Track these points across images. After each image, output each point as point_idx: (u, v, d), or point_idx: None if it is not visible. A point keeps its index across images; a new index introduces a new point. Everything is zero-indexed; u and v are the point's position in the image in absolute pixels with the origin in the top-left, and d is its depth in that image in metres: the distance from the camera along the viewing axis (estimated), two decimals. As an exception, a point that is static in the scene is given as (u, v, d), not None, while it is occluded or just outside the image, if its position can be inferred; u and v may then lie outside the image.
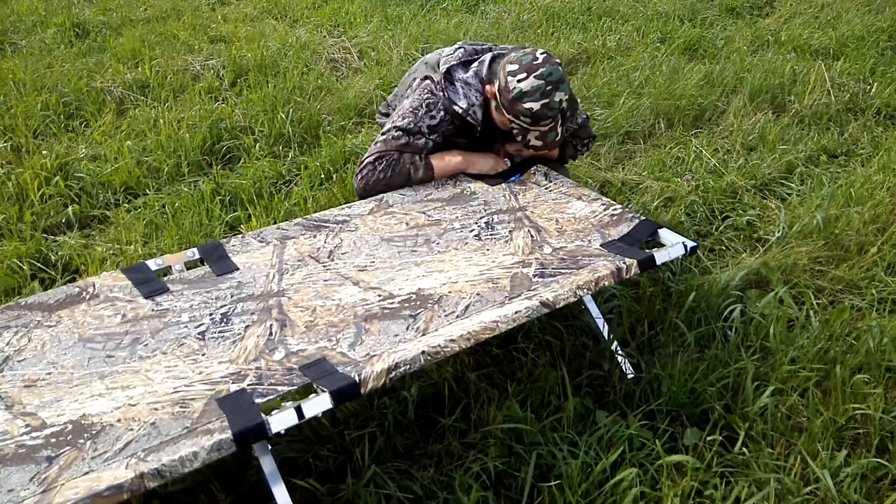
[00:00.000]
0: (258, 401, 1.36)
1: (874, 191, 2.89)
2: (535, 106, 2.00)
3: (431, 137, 2.17)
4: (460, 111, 2.13)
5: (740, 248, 2.66)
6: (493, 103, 2.12)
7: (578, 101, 2.39)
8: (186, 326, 1.58)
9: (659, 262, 1.78)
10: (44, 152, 3.26)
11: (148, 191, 2.99)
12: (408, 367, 1.43)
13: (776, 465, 1.69)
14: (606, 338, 2.05)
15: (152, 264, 1.79)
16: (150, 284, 1.72)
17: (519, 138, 2.11)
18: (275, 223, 2.66)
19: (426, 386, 1.93)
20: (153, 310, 1.64)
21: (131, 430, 1.31)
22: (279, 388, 1.40)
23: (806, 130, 3.68)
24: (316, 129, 3.47)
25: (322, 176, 3.01)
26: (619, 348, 2.04)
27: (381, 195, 2.12)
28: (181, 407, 1.36)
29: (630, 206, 2.89)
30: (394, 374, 1.42)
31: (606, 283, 1.71)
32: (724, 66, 4.24)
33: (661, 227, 1.92)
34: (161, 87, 3.92)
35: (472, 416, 1.84)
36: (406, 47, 4.55)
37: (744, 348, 2.08)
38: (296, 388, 1.40)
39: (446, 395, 1.91)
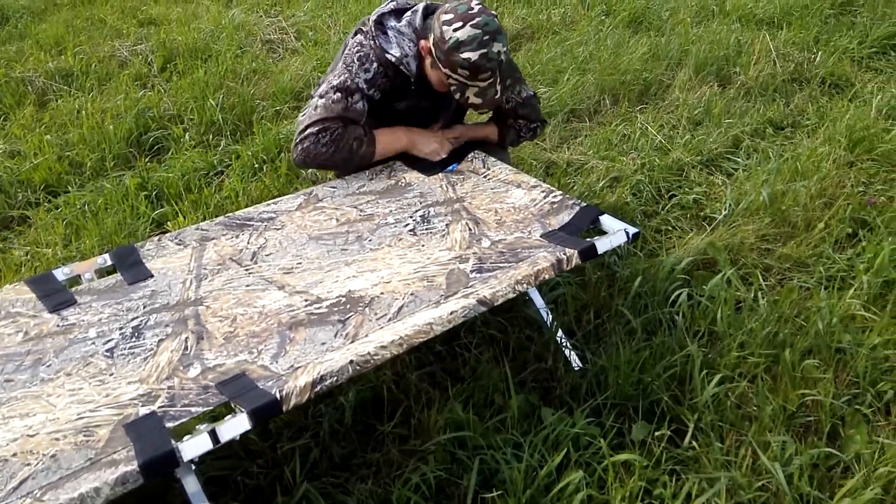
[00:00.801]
0: (169, 425, 1.25)
1: (820, 163, 2.86)
2: (473, 56, 1.89)
3: (369, 93, 2.02)
4: (393, 59, 2.01)
5: (687, 228, 2.61)
6: (429, 60, 2.00)
7: (521, 75, 2.28)
8: (94, 343, 1.46)
9: (600, 251, 1.71)
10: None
11: (70, 188, 2.81)
12: (335, 378, 1.33)
13: (726, 459, 1.64)
14: (551, 329, 1.98)
15: (59, 274, 1.65)
16: (57, 297, 1.58)
17: (457, 96, 1.98)
18: (204, 219, 2.53)
19: (364, 389, 1.83)
20: (58, 325, 1.51)
21: (28, 464, 1.19)
22: (193, 408, 1.29)
23: (752, 102, 3.65)
24: (250, 115, 3.32)
25: (256, 166, 2.87)
26: (564, 340, 1.97)
27: (311, 189, 2.00)
28: (85, 436, 1.24)
29: (575, 188, 2.82)
30: (319, 387, 1.31)
31: (547, 277, 1.63)
32: (668, 39, 4.18)
33: (602, 213, 1.84)
34: (85, 76, 3.71)
35: (412, 420, 1.75)
36: (345, 26, 4.39)
37: (691, 334, 2.03)
38: (212, 407, 1.29)
39: (386, 399, 1.81)
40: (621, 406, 1.81)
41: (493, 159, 2.14)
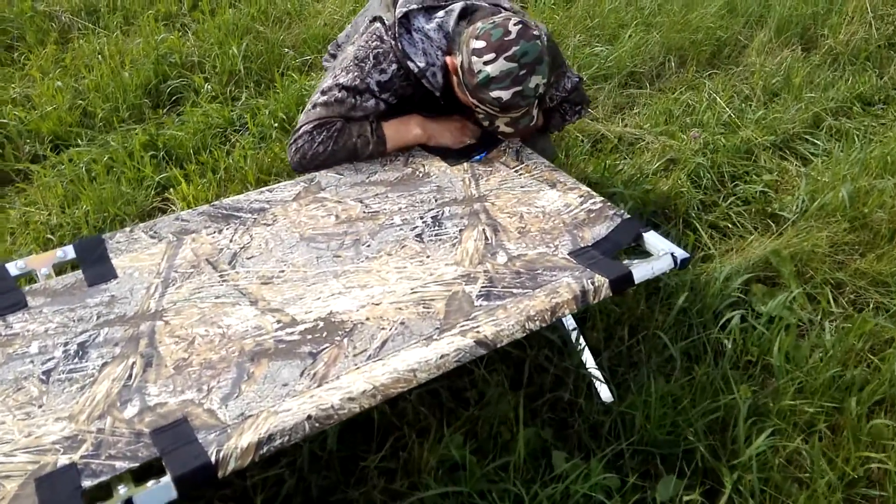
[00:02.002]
0: (87, 483, 1.05)
1: (915, 156, 2.47)
2: (505, 95, 1.60)
3: (383, 97, 1.76)
4: (416, 70, 1.71)
5: (750, 227, 2.28)
6: (455, 79, 1.70)
7: (566, 63, 1.95)
8: (32, 362, 1.26)
9: (638, 279, 1.43)
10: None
11: (80, 141, 2.63)
12: (286, 438, 1.11)
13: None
14: (576, 351, 1.72)
15: (13, 268, 1.46)
16: (5, 297, 1.39)
17: (486, 124, 1.71)
18: (212, 188, 2.32)
19: (354, 410, 1.61)
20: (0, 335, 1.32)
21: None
22: (118, 463, 1.08)
23: (839, 72, 3.22)
24: (277, 64, 3.06)
25: (275, 125, 2.63)
26: (590, 363, 1.71)
27: (314, 174, 1.75)
28: (-5, 487, 1.05)
29: (624, 169, 2.49)
30: (266, 448, 1.10)
31: (566, 312, 1.36)
32: (750, -8, 3.71)
33: (647, 229, 1.55)
34: (112, 13, 3.49)
35: (401, 454, 1.53)
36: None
37: (741, 366, 1.74)
38: (138, 464, 1.08)
39: (376, 421, 1.59)
40: (647, 453, 1.55)
41: (530, 152, 1.85)
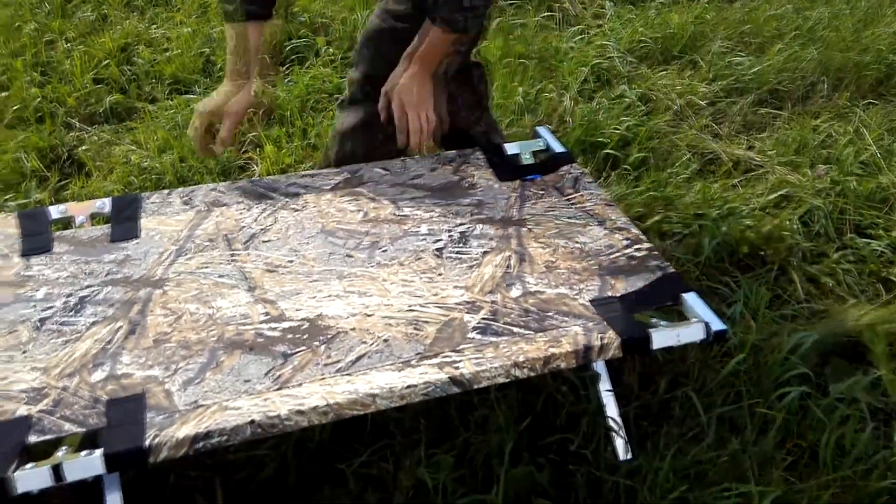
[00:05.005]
0: (32, 439, 1.09)
1: None
2: None
3: None
4: None
5: (856, 289, 1.99)
6: None
7: None
8: (34, 307, 1.32)
9: (656, 346, 1.27)
10: (117, 28, 3.09)
11: (197, 88, 2.74)
12: (224, 438, 1.09)
13: None
14: (597, 391, 1.57)
15: (54, 212, 1.54)
16: (36, 239, 1.47)
17: None
18: (294, 154, 2.34)
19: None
20: (16, 275, 1.39)
21: None
22: (67, 425, 1.11)
23: None
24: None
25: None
26: (611, 411, 1.56)
27: (360, 167, 1.69)
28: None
29: (727, 198, 2.25)
30: (202, 444, 1.08)
31: (561, 366, 1.24)
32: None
33: (689, 289, 1.38)
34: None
35: (381, 465, 1.47)
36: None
37: (786, 451, 1.53)
38: (84, 431, 1.10)
39: (369, 421, 1.54)
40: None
41: (591, 180, 1.70)
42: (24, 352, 1.24)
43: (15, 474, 1.02)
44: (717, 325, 1.30)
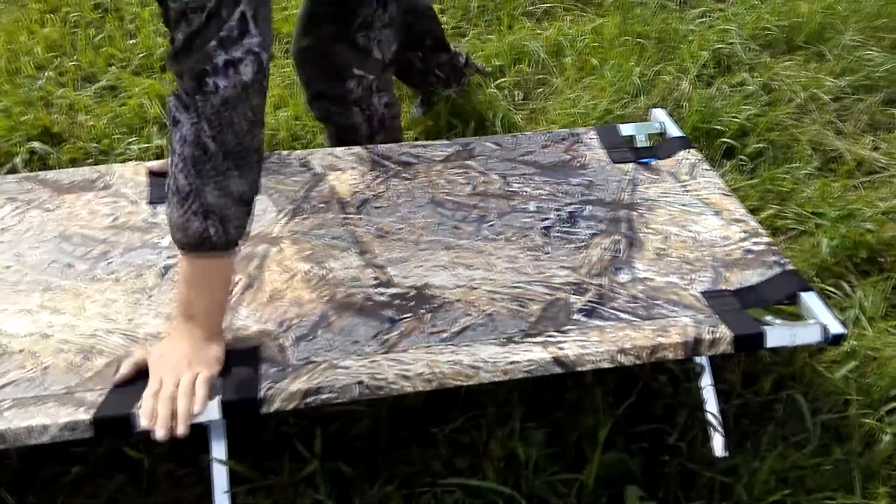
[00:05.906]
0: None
1: None
2: None
3: None
4: None
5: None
6: None
7: None
8: (160, 253, 1.40)
9: (771, 344, 1.23)
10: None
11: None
12: (334, 395, 1.13)
13: None
14: (698, 385, 1.54)
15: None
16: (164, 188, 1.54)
17: None
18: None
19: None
20: (143, 221, 1.47)
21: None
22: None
23: None
24: (512, 6, 2.99)
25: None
26: (711, 406, 1.53)
27: (471, 140, 1.70)
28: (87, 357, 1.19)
29: (848, 199, 2.14)
30: (313, 398, 1.13)
31: (669, 356, 1.22)
32: None
33: (809, 289, 1.33)
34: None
35: (473, 433, 1.49)
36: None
37: (885, 476, 1.47)
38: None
39: (463, 393, 1.57)
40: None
41: (708, 168, 1.64)
42: (150, 296, 1.31)
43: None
44: (835, 328, 1.25)
